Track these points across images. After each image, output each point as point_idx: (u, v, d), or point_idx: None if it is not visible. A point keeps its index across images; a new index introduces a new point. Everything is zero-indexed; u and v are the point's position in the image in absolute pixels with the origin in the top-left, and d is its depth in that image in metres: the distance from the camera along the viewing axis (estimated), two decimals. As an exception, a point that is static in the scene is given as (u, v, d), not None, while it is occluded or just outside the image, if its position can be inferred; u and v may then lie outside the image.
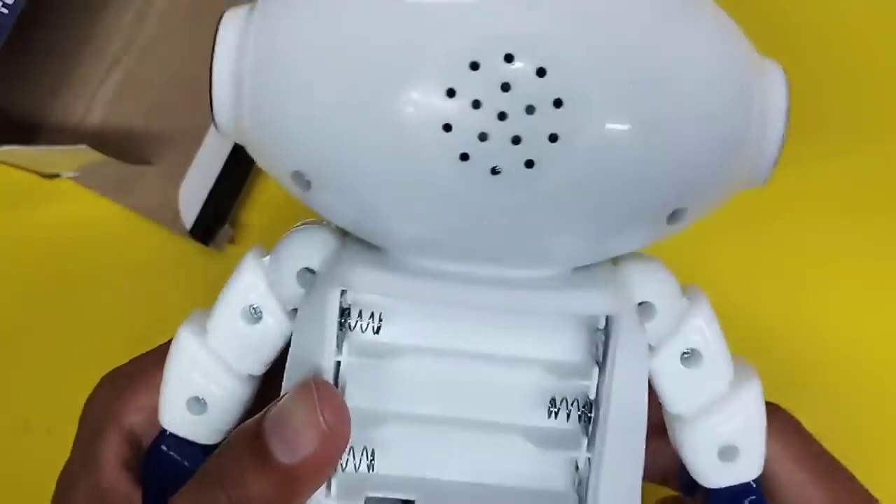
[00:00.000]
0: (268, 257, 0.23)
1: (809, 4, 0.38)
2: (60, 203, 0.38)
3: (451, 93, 0.18)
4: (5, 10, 0.33)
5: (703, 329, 0.23)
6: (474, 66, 0.18)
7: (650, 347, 0.23)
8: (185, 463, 0.24)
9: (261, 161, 0.22)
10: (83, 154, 0.36)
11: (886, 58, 0.38)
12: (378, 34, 0.18)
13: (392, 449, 0.22)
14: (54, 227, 0.38)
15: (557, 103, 0.18)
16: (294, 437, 0.20)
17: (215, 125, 0.21)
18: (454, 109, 0.18)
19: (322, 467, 0.21)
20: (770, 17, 0.37)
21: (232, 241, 0.38)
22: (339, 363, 0.21)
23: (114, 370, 0.26)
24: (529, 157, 0.18)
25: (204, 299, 0.38)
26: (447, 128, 0.18)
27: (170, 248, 0.38)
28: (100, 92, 0.38)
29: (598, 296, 0.21)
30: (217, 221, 0.37)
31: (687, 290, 0.23)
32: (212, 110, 0.21)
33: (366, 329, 0.22)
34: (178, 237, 0.37)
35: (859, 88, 0.38)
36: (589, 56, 0.18)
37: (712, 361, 0.23)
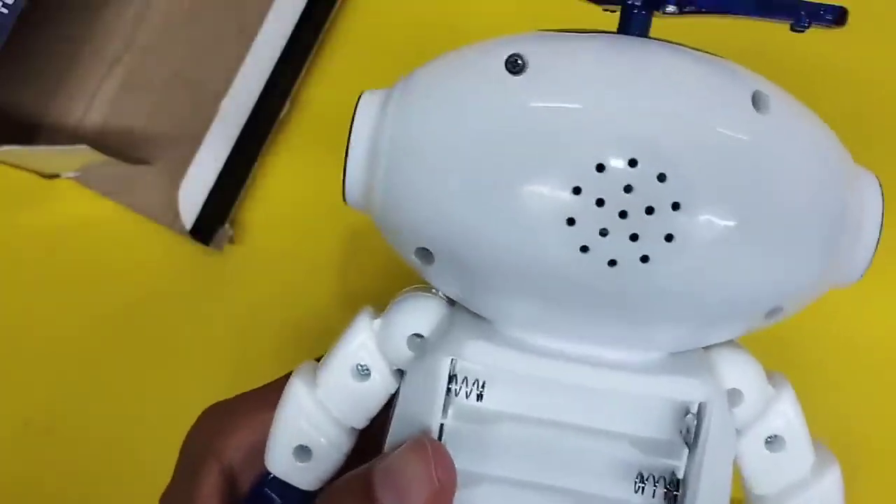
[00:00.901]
0: (379, 319, 0.24)
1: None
2: (60, 203, 0.38)
3: (576, 190, 0.20)
4: (5, 10, 0.33)
5: (787, 415, 0.24)
6: (600, 167, 0.20)
7: (736, 431, 0.24)
8: None
9: (387, 234, 0.23)
10: (83, 154, 0.36)
11: (887, 58, 0.38)
12: (513, 132, 0.20)
13: None
14: (54, 227, 0.38)
15: (675, 206, 0.20)
16: (405, 490, 0.21)
17: (344, 198, 0.23)
18: (579, 206, 0.20)
19: None
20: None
21: (232, 241, 0.38)
22: (442, 425, 0.23)
23: (216, 404, 0.27)
24: (645, 253, 0.20)
25: (204, 299, 0.38)
26: (570, 222, 0.20)
27: (170, 248, 0.38)
28: (100, 92, 0.38)
29: (694, 383, 0.22)
30: (217, 221, 0.37)
31: (772, 376, 0.24)
32: (343, 184, 0.23)
33: (469, 395, 0.23)
34: (178, 237, 0.37)
35: (860, 90, 0.38)
36: (704, 164, 0.20)
37: (795, 447, 0.24)
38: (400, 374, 0.24)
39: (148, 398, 0.38)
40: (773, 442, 0.24)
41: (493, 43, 0.22)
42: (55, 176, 0.38)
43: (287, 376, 0.26)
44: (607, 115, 0.20)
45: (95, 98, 0.38)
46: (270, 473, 0.25)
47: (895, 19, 0.37)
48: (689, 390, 0.22)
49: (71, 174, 0.38)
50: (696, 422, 0.22)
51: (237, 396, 0.27)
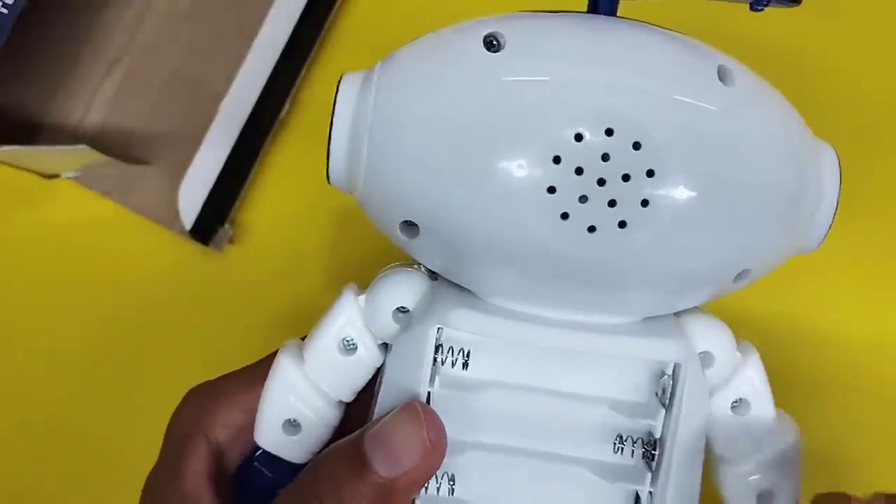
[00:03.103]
0: (363, 295, 0.25)
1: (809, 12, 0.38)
2: (60, 203, 0.38)
3: (556, 160, 0.21)
4: (5, 10, 0.33)
5: (754, 381, 0.25)
6: (578, 137, 0.21)
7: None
8: (275, 479, 0.26)
9: (370, 210, 0.24)
10: (83, 154, 0.36)
11: (886, 59, 0.38)
12: (493, 106, 0.21)
13: (471, 475, 0.24)
14: (54, 227, 0.38)
15: (650, 173, 0.21)
16: (397, 451, 0.22)
17: (328, 177, 0.24)
18: (559, 174, 0.21)
19: (418, 482, 0.22)
20: (773, 25, 0.37)
21: (232, 241, 0.38)
22: (429, 393, 0.23)
23: (201, 385, 0.27)
24: (623, 219, 0.21)
25: (204, 299, 0.38)
26: (551, 190, 0.21)
27: (170, 248, 0.38)
28: (100, 92, 0.38)
29: (671, 344, 0.23)
30: (217, 221, 0.37)
31: (739, 343, 0.25)
32: (327, 164, 0.23)
33: (455, 364, 0.24)
34: (178, 237, 0.37)
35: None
36: (676, 132, 0.21)
37: (759, 411, 0.25)
38: (385, 347, 0.25)
39: (148, 398, 0.38)
40: (738, 405, 0.25)
41: (471, 23, 0.22)
42: (55, 176, 0.38)
43: (271, 356, 0.26)
44: (583, 87, 0.21)
45: (95, 98, 0.38)
46: (259, 448, 0.26)
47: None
48: (664, 351, 0.23)
49: (71, 174, 0.38)
50: (671, 382, 0.23)
51: (223, 377, 0.27)
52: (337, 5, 0.38)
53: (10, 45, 0.33)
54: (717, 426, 0.25)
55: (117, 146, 0.37)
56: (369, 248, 0.38)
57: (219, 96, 0.37)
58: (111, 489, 0.38)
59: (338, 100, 0.23)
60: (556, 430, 0.24)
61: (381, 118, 0.22)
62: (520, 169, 0.21)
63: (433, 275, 0.25)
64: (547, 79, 0.21)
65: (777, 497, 0.25)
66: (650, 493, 0.24)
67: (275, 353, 0.26)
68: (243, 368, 0.27)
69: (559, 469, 0.24)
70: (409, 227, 0.23)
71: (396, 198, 0.22)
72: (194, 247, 0.37)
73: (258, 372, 0.26)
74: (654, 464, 0.24)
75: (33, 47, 0.37)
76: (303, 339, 0.26)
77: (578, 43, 0.22)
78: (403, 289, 0.24)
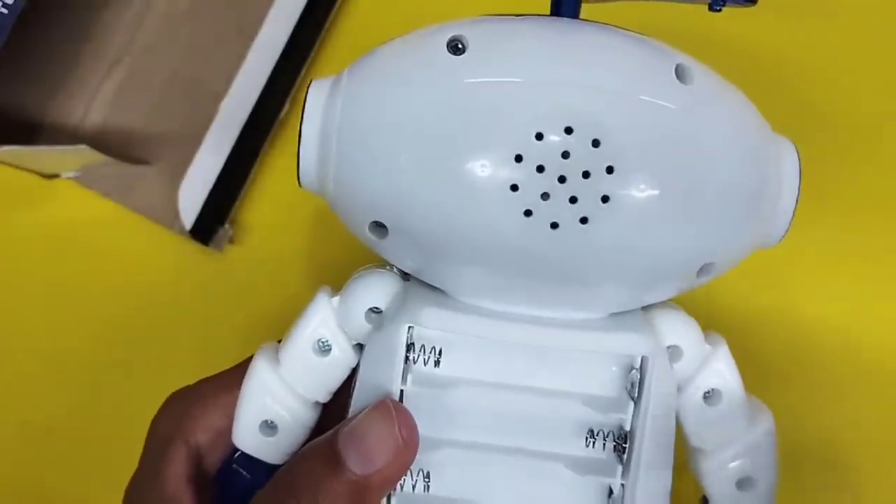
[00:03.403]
0: (337, 297, 0.25)
1: (809, 12, 0.38)
2: (60, 203, 0.38)
3: (518, 158, 0.21)
4: (5, 10, 0.33)
5: (723, 372, 0.26)
6: (539, 136, 0.21)
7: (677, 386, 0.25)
8: (254, 480, 0.26)
9: (341, 212, 0.24)
10: (83, 154, 0.36)
11: (886, 60, 0.38)
12: (457, 108, 0.22)
13: (446, 472, 0.24)
14: (54, 227, 0.38)
15: (609, 170, 0.21)
16: (370, 449, 0.22)
17: (299, 180, 0.24)
18: (521, 172, 0.21)
19: (392, 479, 0.23)
20: (773, 26, 0.37)
21: (232, 241, 0.38)
22: (402, 391, 0.24)
23: (181, 389, 0.28)
24: (584, 215, 0.21)
25: (204, 299, 0.38)
26: (514, 188, 0.21)
27: (170, 248, 0.38)
28: (100, 92, 0.38)
29: (638, 338, 0.24)
30: (217, 221, 0.37)
31: (708, 335, 0.26)
32: (298, 168, 0.24)
33: (427, 362, 0.24)
34: (178, 237, 0.37)
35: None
36: (634, 129, 0.21)
37: (731, 401, 0.26)
38: (359, 348, 0.25)
39: (147, 398, 0.38)
40: (710, 396, 0.26)
41: (435, 28, 0.23)
42: (55, 176, 0.38)
43: (248, 360, 0.26)
44: (544, 87, 0.22)
45: (95, 98, 0.38)
46: (237, 450, 0.26)
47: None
48: (631, 345, 0.24)
49: (71, 174, 0.38)
50: (639, 376, 0.24)
51: (202, 381, 0.28)
52: (337, 5, 0.38)
53: (10, 45, 0.33)
54: (690, 418, 0.26)
55: (117, 146, 0.37)
56: (368, 249, 0.38)
57: (219, 96, 0.37)
58: (111, 489, 0.38)
59: (307, 105, 0.23)
60: (529, 425, 0.24)
61: (349, 122, 0.23)
62: (483, 168, 0.21)
63: (405, 275, 0.25)
64: (508, 80, 0.22)
65: (756, 483, 0.26)
66: (622, 485, 0.24)
67: (251, 357, 0.26)
68: (223, 372, 0.28)
69: (533, 464, 0.24)
70: (378, 228, 0.23)
71: (365, 199, 0.23)
72: (194, 247, 0.37)
73: (237, 375, 0.26)
74: (624, 457, 0.24)
75: (33, 47, 0.37)
76: (279, 342, 0.26)
77: (540, 45, 0.22)
78: (376, 289, 0.25)
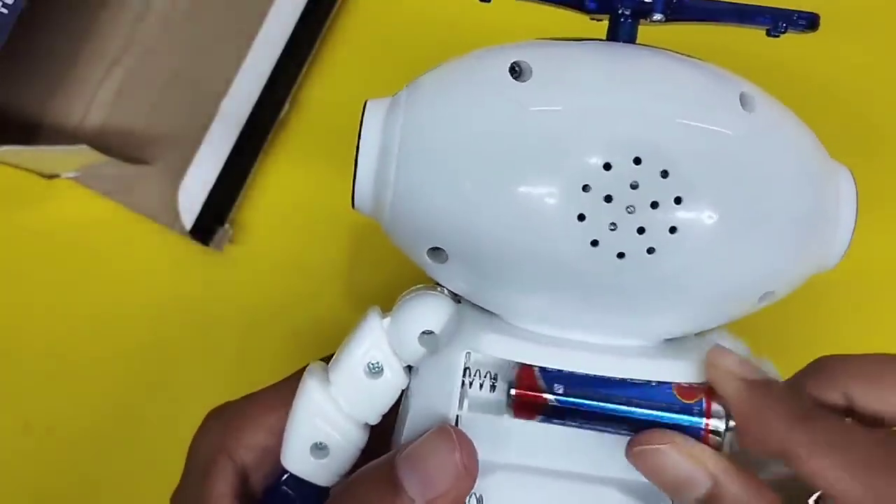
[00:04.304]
0: (387, 319, 0.25)
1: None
2: (60, 203, 0.38)
3: (586, 188, 0.21)
4: (5, 11, 0.33)
5: None
6: (607, 166, 0.21)
7: None
8: (303, 502, 0.26)
9: (396, 237, 0.24)
10: (83, 154, 0.36)
11: (886, 60, 0.38)
12: (522, 135, 0.21)
13: (499, 496, 0.24)
14: (54, 227, 0.38)
15: (678, 200, 0.21)
16: (431, 476, 0.22)
17: (353, 202, 0.24)
18: (589, 202, 0.21)
19: None
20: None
21: (232, 241, 0.38)
22: (458, 416, 0.24)
23: (222, 406, 0.27)
24: (651, 245, 0.21)
25: (204, 299, 0.38)
26: (581, 217, 0.21)
27: (170, 248, 0.38)
28: (100, 92, 0.38)
29: (695, 366, 0.23)
30: (217, 221, 0.37)
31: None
32: (353, 191, 0.24)
33: (483, 387, 0.24)
34: (178, 237, 0.37)
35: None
36: (702, 159, 0.21)
37: None
38: (409, 370, 0.25)
39: (148, 398, 0.38)
40: None
41: (495, 50, 0.23)
42: (55, 176, 0.38)
43: (293, 377, 0.26)
44: (611, 116, 0.21)
45: (95, 98, 0.38)
46: (286, 471, 0.26)
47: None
48: (688, 373, 0.23)
49: (71, 174, 0.38)
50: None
51: (244, 398, 0.27)
52: (337, 5, 0.38)
53: (10, 45, 0.33)
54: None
55: (117, 146, 0.37)
56: (369, 248, 0.38)
57: (219, 96, 0.37)
58: (111, 489, 0.38)
59: (364, 125, 0.23)
60: (584, 449, 0.24)
61: (410, 144, 0.22)
62: (550, 197, 0.21)
63: (456, 297, 0.25)
64: (574, 108, 0.22)
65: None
66: None
67: (297, 374, 0.26)
68: (266, 389, 0.27)
69: (587, 489, 0.24)
70: (437, 252, 0.23)
71: (425, 225, 0.23)
72: (194, 247, 0.37)
73: (282, 392, 0.26)
74: None
75: (33, 47, 0.37)
76: (324, 359, 0.26)
77: (603, 71, 0.22)
78: (429, 312, 0.25)
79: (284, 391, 0.26)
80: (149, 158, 0.37)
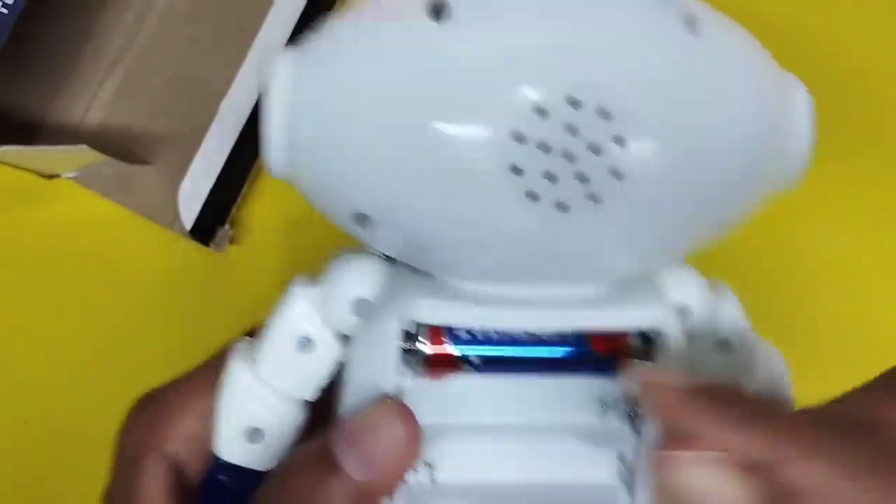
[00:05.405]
0: (317, 287, 0.24)
1: (805, 10, 0.38)
2: (60, 203, 0.38)
3: (518, 136, 0.19)
4: (5, 10, 0.33)
5: (732, 320, 0.25)
6: (540, 111, 0.19)
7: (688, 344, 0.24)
8: (243, 489, 0.24)
9: (317, 202, 0.22)
10: (83, 154, 0.36)
11: (885, 58, 0.38)
12: (444, 77, 0.19)
13: (451, 460, 0.23)
14: (54, 227, 0.38)
15: (620, 141, 0.19)
16: (370, 453, 0.20)
17: (269, 170, 0.22)
18: (522, 152, 0.19)
19: (395, 481, 0.21)
20: (771, 23, 0.37)
21: (232, 241, 0.38)
22: (399, 386, 0.22)
23: (146, 395, 0.26)
24: (595, 193, 0.19)
25: (204, 299, 0.38)
26: (515, 170, 0.19)
27: (170, 248, 0.38)
28: (100, 92, 0.38)
29: (646, 311, 0.22)
30: (217, 221, 0.37)
31: (711, 284, 0.25)
32: (266, 156, 0.21)
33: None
34: (178, 237, 0.37)
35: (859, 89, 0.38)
36: (644, 94, 0.19)
37: (743, 348, 0.25)
38: (344, 339, 0.23)
39: (148, 398, 0.38)
40: (722, 347, 0.25)
41: None
42: (55, 176, 0.38)
43: (217, 356, 0.25)
44: (540, 54, 0.19)
45: (95, 98, 0.38)
46: (221, 459, 0.24)
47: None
48: (640, 319, 0.22)
49: (71, 174, 0.38)
50: (651, 342, 0.23)
51: (168, 384, 0.25)
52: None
53: (10, 45, 0.33)
54: (704, 372, 0.24)
55: (117, 146, 0.37)
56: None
57: (219, 96, 0.37)
58: (111, 489, 0.38)
59: (270, 84, 0.21)
60: (536, 401, 0.23)
61: (323, 98, 0.20)
62: (478, 150, 0.19)
63: (390, 259, 0.23)
64: (499, 49, 0.19)
65: None
66: (636, 453, 0.23)
67: (223, 351, 0.24)
68: (191, 372, 0.25)
69: (543, 439, 0.23)
70: (362, 217, 0.21)
71: (344, 187, 0.21)
72: (194, 247, 0.37)
73: (208, 373, 0.24)
74: (638, 424, 0.23)
75: (33, 47, 0.37)
76: (250, 333, 0.24)
77: (530, 5, 0.19)
78: (361, 278, 0.23)
79: (210, 372, 0.24)
80: (149, 158, 0.37)
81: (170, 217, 0.37)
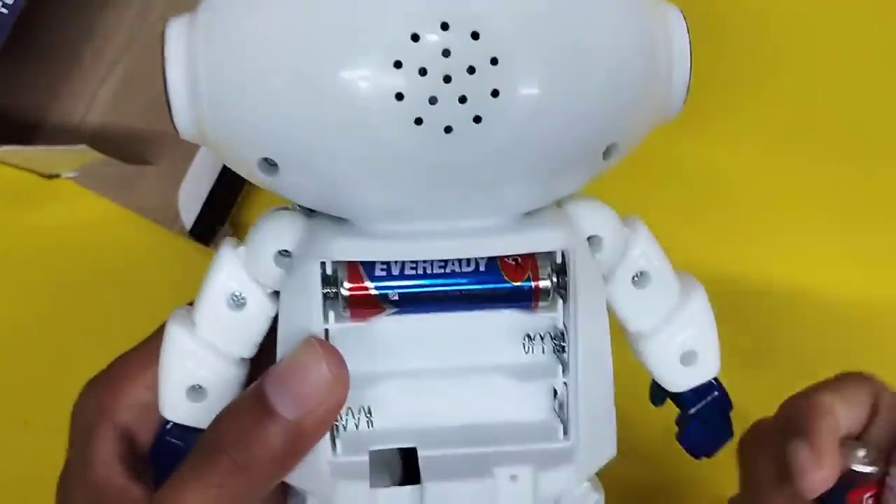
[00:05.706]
0: (242, 247, 0.24)
1: (801, 9, 0.38)
2: (60, 203, 0.38)
3: (398, 64, 0.20)
4: (5, 10, 0.33)
5: (647, 253, 0.26)
6: (415, 37, 0.20)
7: (603, 277, 0.25)
8: (191, 449, 0.25)
9: (226, 157, 0.23)
10: (83, 154, 0.36)
11: (880, 58, 0.38)
12: (321, 18, 0.20)
13: (387, 404, 0.24)
14: (54, 227, 0.38)
15: (494, 61, 0.20)
16: (300, 390, 0.21)
17: (177, 131, 0.23)
18: (403, 79, 0.20)
19: (327, 419, 0.22)
20: (766, 21, 0.37)
21: (232, 241, 0.38)
22: (326, 331, 0.23)
23: (96, 375, 0.27)
24: (476, 113, 0.20)
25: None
26: (399, 97, 0.20)
27: (170, 248, 0.38)
28: (100, 92, 0.38)
29: (553, 234, 0.23)
30: (217, 221, 0.37)
31: (625, 219, 0.26)
32: (171, 117, 0.22)
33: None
34: (178, 237, 0.37)
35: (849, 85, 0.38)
36: (514, 18, 0.20)
37: (660, 279, 0.26)
38: (276, 296, 0.24)
39: (148, 398, 0.38)
40: (639, 279, 0.26)
41: None
42: (55, 176, 0.38)
43: (160, 331, 0.25)
44: None
45: (95, 98, 0.38)
46: (168, 422, 0.25)
47: None
48: (547, 241, 0.23)
49: (71, 174, 0.38)
50: (564, 271, 0.23)
51: (118, 359, 0.27)
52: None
53: (10, 45, 0.33)
54: (623, 304, 0.26)
55: (117, 146, 0.37)
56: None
57: (219, 96, 0.37)
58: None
59: (166, 48, 0.22)
60: (464, 342, 0.24)
61: (215, 54, 0.21)
62: (362, 81, 0.20)
63: (310, 212, 0.24)
64: None
65: (699, 354, 0.26)
66: (565, 384, 0.24)
67: (163, 327, 0.25)
68: (137, 346, 0.26)
69: (474, 380, 0.24)
70: (268, 165, 0.22)
71: (245, 136, 0.22)
72: (194, 247, 0.37)
73: (150, 348, 0.25)
74: (564, 355, 0.24)
75: (33, 47, 0.37)
76: (191, 304, 0.25)
77: None
78: (280, 231, 0.24)
79: (155, 345, 0.25)
80: (149, 158, 0.38)
81: (170, 217, 0.37)
